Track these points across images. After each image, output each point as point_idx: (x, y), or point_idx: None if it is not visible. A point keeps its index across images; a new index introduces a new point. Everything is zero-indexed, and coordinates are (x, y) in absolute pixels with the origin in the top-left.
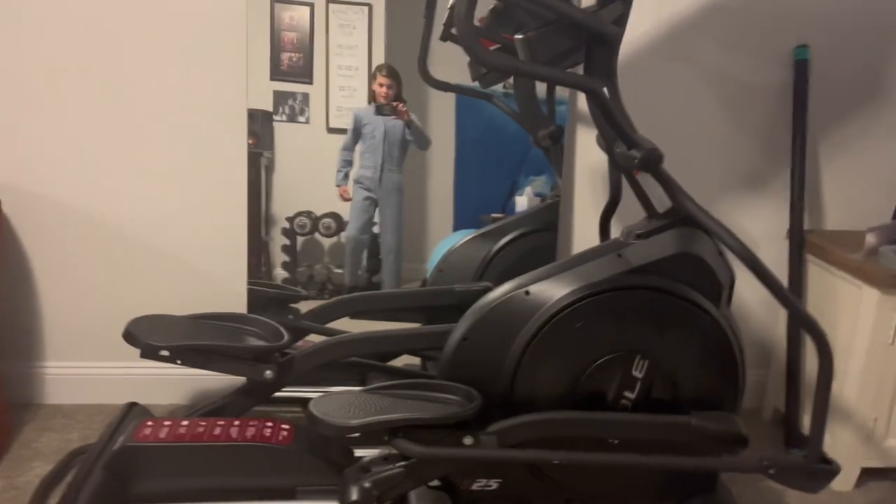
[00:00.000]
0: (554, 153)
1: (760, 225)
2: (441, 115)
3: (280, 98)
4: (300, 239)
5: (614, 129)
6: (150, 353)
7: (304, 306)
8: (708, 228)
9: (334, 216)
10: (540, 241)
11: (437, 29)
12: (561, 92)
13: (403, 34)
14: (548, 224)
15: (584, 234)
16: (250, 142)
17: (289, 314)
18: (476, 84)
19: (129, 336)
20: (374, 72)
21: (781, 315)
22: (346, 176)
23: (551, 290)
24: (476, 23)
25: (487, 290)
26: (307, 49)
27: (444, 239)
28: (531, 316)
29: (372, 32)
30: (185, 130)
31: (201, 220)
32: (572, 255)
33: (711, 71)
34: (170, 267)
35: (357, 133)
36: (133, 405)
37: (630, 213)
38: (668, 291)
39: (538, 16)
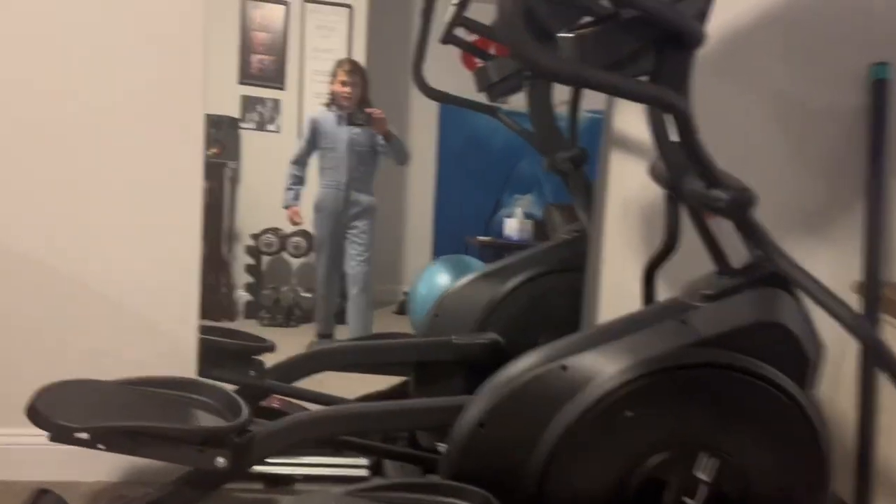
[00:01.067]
0: (575, 180)
1: (822, 275)
2: (422, 126)
3: (249, 104)
4: (266, 258)
5: (694, 160)
6: (62, 436)
7: (272, 358)
8: (811, 293)
9: (304, 234)
10: (554, 284)
11: (435, 30)
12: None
13: (387, 38)
14: (565, 265)
15: (614, 280)
16: (214, 151)
17: (251, 369)
18: (477, 96)
19: (35, 414)
20: (333, 69)
21: (845, 384)
22: (298, 196)
23: (596, 366)
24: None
25: (495, 344)
26: (280, 51)
27: (429, 268)
28: (569, 399)
29: (352, 35)
30: (123, 140)
31: (140, 250)
32: (621, 317)
33: (770, 90)
34: (96, 311)
35: (313, 144)
36: (44, 493)
37: (684, 263)
38: (747, 371)
39: (585, 7)
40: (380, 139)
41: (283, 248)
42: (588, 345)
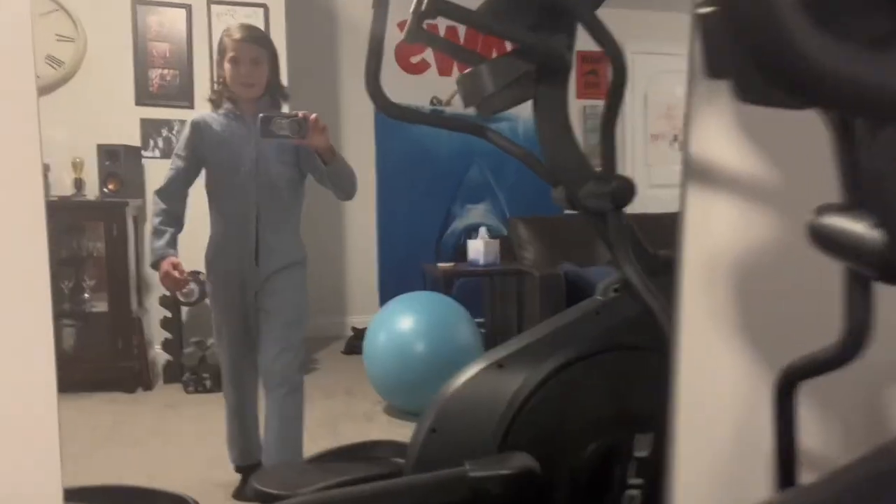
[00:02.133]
0: (613, 222)
1: None
2: (356, 135)
3: (150, 128)
4: (186, 309)
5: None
6: None
7: None
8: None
9: None
10: (598, 372)
11: (390, 29)
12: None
13: (311, 39)
14: (608, 341)
15: (696, 363)
16: (110, 187)
17: None
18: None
19: None
20: (221, 43)
21: None
22: (173, 242)
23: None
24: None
25: (528, 473)
26: (184, 63)
27: (387, 308)
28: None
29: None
30: None
31: None
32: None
33: None
34: None
35: (194, 161)
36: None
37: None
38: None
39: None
40: (313, 159)
41: (205, 294)
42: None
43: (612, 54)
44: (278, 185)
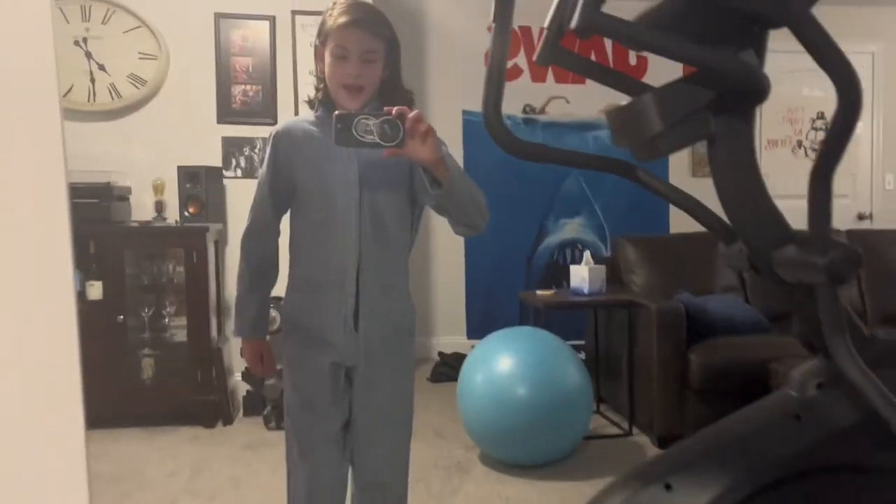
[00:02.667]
0: (828, 301)
1: None
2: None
3: (232, 146)
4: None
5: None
6: None
7: None
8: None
9: None
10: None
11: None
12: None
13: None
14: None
15: None
16: (191, 210)
17: None
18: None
19: None
20: (322, 24)
21: None
22: (262, 314)
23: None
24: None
25: None
26: (268, 79)
27: (484, 344)
28: None
29: None
30: None
31: None
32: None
33: None
34: None
35: (284, 184)
36: None
37: None
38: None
39: None
40: (418, 173)
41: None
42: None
43: (839, 76)
44: (386, 220)
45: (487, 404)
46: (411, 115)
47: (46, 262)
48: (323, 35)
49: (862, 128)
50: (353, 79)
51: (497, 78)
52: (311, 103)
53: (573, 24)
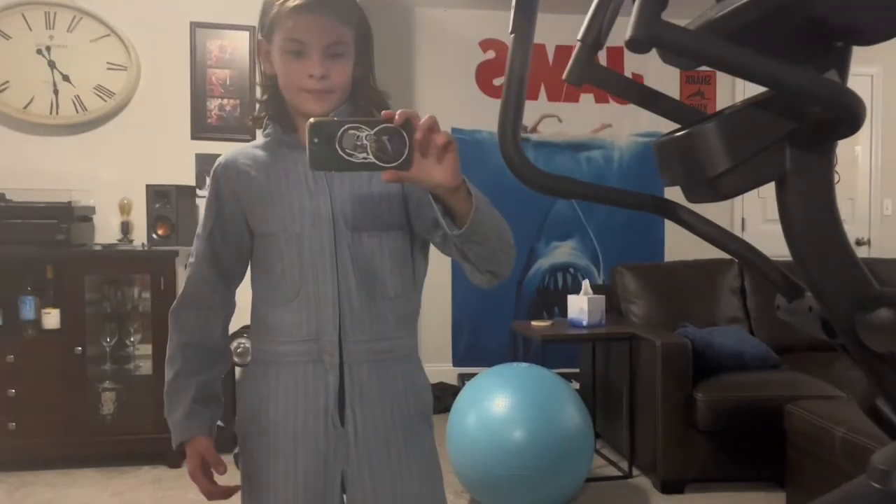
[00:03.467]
0: None
1: None
2: None
3: (206, 164)
4: (238, 370)
5: None
6: None
7: None
8: None
9: None
10: None
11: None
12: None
13: (396, 64)
14: None
15: None
16: (159, 233)
17: None
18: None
19: None
20: (264, 12)
21: None
22: (205, 400)
23: None
24: None
25: None
26: (246, 92)
27: (477, 381)
28: None
29: None
30: None
31: None
32: None
33: None
34: None
35: (231, 235)
36: None
37: None
38: None
39: None
40: (427, 208)
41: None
42: None
43: None
44: (375, 266)
45: (480, 449)
46: (422, 121)
47: None
48: (268, 26)
49: (860, 152)
50: (316, 81)
51: (516, 99)
52: (256, 121)
53: (629, 34)
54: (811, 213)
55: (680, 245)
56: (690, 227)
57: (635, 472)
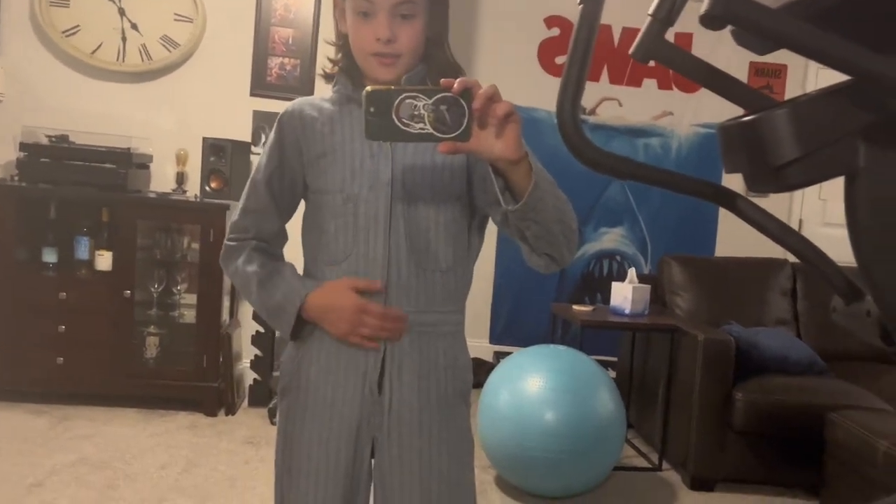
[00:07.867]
0: None
1: None
2: None
3: (263, 121)
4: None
5: None
6: None
7: None
8: None
9: None
10: None
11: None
12: None
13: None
14: None
15: None
16: (213, 185)
17: None
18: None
19: None
20: None
21: None
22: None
23: None
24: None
25: None
26: (308, 53)
27: (511, 361)
28: None
29: None
30: None
31: None
32: None
33: None
34: None
35: (287, 197)
36: None
37: None
38: None
39: None
40: (488, 182)
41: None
42: None
43: None
44: (429, 238)
45: (510, 427)
46: (482, 90)
47: None
48: None
49: None
50: (383, 45)
51: (578, 71)
52: (327, 77)
53: (704, 9)
54: (880, 213)
55: (733, 242)
56: (748, 217)
57: (665, 465)
